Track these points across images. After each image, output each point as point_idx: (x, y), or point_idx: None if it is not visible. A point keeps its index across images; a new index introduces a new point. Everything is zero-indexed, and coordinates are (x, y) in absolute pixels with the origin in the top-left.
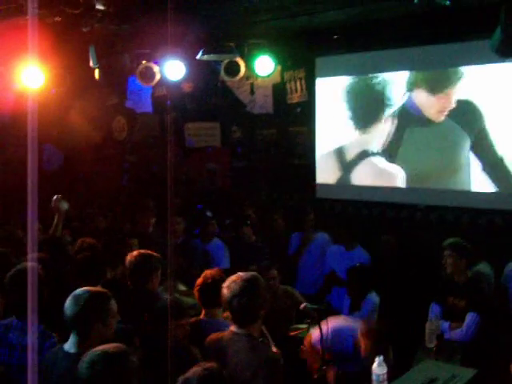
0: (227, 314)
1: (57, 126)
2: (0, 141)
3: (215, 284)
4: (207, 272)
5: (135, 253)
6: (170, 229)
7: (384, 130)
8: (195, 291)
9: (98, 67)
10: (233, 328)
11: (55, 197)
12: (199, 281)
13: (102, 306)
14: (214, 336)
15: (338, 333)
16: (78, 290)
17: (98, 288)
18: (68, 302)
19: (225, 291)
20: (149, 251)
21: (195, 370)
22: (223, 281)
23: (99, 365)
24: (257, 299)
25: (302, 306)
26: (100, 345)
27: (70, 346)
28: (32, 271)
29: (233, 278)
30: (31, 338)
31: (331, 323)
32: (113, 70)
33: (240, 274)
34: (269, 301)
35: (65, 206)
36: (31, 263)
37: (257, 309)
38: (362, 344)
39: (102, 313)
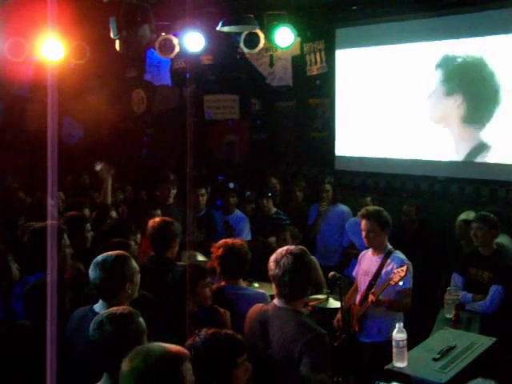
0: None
1: (76, 99)
2: (20, 114)
3: (237, 253)
4: (227, 241)
5: (158, 219)
6: (190, 200)
7: (404, 101)
8: (216, 262)
9: (119, 38)
10: (276, 302)
11: (97, 165)
12: (219, 251)
13: (127, 266)
14: (258, 308)
15: None
16: (99, 257)
17: (118, 251)
18: (93, 270)
19: (272, 265)
20: (170, 219)
21: (203, 334)
22: (245, 250)
23: (107, 326)
24: (308, 275)
25: (331, 274)
26: (128, 303)
27: (100, 307)
28: (51, 228)
29: (281, 252)
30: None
31: None
32: (133, 41)
33: (288, 247)
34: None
35: (109, 172)
36: (51, 221)
37: (306, 285)
38: None
39: (128, 273)
